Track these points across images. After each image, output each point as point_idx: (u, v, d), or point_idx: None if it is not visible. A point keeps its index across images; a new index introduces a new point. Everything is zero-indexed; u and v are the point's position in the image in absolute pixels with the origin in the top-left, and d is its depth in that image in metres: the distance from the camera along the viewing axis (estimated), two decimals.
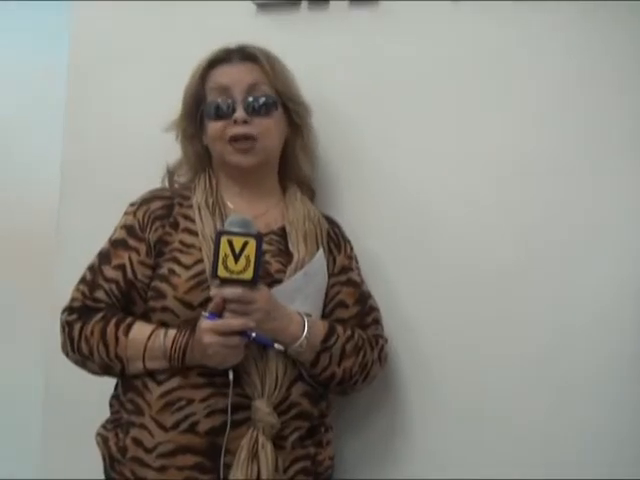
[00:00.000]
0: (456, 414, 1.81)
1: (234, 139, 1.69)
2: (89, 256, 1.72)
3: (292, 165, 1.81)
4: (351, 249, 1.81)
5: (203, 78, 1.74)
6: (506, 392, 1.78)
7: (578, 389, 1.73)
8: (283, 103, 1.75)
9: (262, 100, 1.70)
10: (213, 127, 1.71)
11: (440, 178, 1.87)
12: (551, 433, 1.74)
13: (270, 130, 1.71)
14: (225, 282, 1.51)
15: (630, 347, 1.70)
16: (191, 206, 1.70)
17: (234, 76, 1.71)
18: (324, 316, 1.70)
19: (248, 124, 1.68)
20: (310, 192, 1.84)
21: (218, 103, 1.70)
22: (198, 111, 1.75)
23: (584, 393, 1.72)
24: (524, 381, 1.76)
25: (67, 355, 1.68)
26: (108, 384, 1.70)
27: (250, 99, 1.69)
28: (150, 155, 1.90)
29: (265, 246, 1.60)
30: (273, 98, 1.72)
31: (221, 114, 1.70)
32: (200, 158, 1.79)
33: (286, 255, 1.68)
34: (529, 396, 1.76)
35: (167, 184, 1.84)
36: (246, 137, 1.68)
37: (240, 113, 1.68)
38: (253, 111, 1.69)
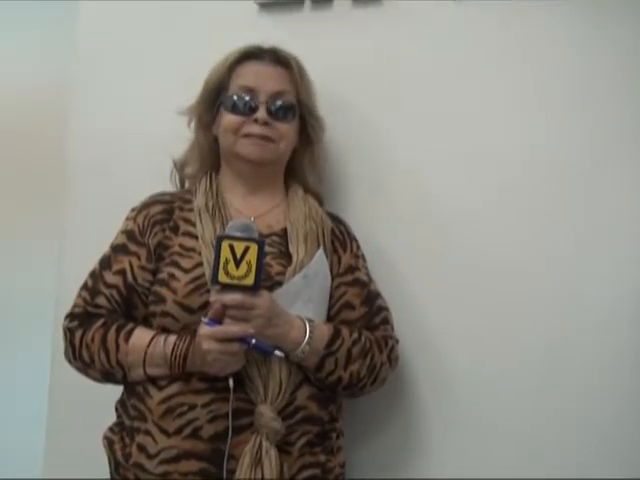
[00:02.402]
0: (470, 418, 1.79)
1: (251, 137, 1.69)
2: (96, 255, 1.72)
3: (298, 174, 1.81)
4: (358, 247, 1.78)
5: (231, 69, 1.74)
6: (520, 395, 1.76)
7: (582, 392, 1.71)
8: (301, 114, 1.76)
9: (284, 106, 1.71)
10: (230, 119, 1.71)
11: (446, 176, 1.86)
12: (558, 434, 1.72)
13: (286, 135, 1.72)
14: (226, 288, 1.49)
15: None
16: (192, 209, 1.70)
17: (263, 76, 1.72)
18: (330, 318, 1.67)
19: (268, 126, 1.69)
20: (318, 199, 1.81)
21: (243, 98, 1.70)
22: (217, 100, 1.74)
23: (596, 397, 1.71)
24: (538, 384, 1.74)
25: (69, 362, 1.68)
26: (114, 385, 1.69)
27: (274, 103, 1.70)
28: (155, 156, 1.89)
29: (266, 248, 1.57)
30: (294, 106, 1.73)
31: (243, 110, 1.70)
32: (210, 148, 1.78)
33: (287, 257, 1.66)
34: (542, 399, 1.74)
35: (176, 179, 1.84)
36: (263, 138, 1.69)
37: (262, 114, 1.69)
38: (273, 114, 1.70)
